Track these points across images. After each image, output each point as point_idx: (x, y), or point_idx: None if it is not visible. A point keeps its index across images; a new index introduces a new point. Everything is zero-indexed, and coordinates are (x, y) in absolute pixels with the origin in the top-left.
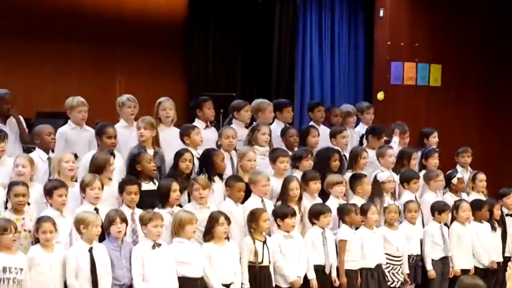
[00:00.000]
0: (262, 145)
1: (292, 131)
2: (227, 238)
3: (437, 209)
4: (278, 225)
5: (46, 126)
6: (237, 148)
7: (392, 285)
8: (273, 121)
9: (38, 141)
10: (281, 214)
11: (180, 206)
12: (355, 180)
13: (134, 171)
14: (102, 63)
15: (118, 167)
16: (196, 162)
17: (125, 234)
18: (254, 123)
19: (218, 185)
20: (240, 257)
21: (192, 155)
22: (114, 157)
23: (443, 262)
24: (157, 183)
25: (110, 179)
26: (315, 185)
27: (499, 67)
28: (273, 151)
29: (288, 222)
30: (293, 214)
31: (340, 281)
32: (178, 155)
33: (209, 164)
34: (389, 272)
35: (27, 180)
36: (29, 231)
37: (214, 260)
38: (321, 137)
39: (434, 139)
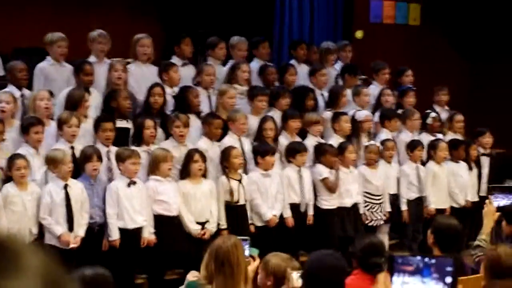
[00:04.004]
0: (242, 83)
1: (271, 69)
2: (204, 176)
3: (409, 147)
4: (258, 163)
5: (18, 63)
6: (213, 86)
7: (370, 224)
8: (251, 59)
9: (10, 78)
10: (262, 151)
11: None
12: (333, 118)
13: (110, 108)
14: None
15: (95, 104)
16: (169, 98)
17: (98, 172)
18: (230, 61)
19: (194, 123)
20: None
21: (163, 89)
22: (90, 94)
23: (418, 202)
24: (130, 122)
25: (85, 116)
26: (295, 124)
27: (479, 6)
28: (251, 89)
29: (269, 160)
30: (274, 152)
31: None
32: (148, 89)
33: (183, 101)
34: (368, 211)
35: (9, 117)
36: (1, 169)
37: (189, 198)
38: (303, 75)
39: (407, 77)
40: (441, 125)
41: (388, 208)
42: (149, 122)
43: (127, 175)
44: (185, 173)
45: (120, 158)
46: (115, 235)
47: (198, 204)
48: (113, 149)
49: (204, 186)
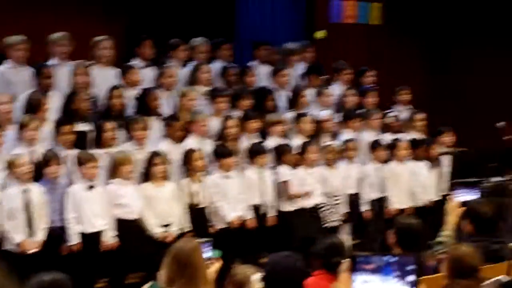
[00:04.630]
0: (203, 85)
1: (232, 71)
2: (166, 178)
3: (371, 147)
4: (218, 165)
5: None
6: (175, 87)
7: (329, 225)
8: (212, 60)
9: None
10: (221, 153)
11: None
12: (296, 119)
13: (69, 110)
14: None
15: (55, 107)
16: (130, 100)
17: (58, 176)
18: (191, 62)
19: (155, 125)
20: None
21: (123, 91)
22: (49, 97)
23: (380, 202)
24: (90, 124)
25: (45, 119)
26: (254, 124)
27: (440, 6)
28: (212, 90)
29: (228, 161)
30: (233, 153)
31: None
32: (108, 92)
33: (144, 103)
34: (327, 211)
35: None
36: None
37: (152, 201)
38: (265, 76)
39: (369, 77)
40: (401, 124)
41: (345, 209)
42: (108, 125)
43: (87, 178)
44: (147, 176)
45: (79, 162)
46: (74, 240)
47: (161, 207)
48: (73, 152)
49: (166, 188)
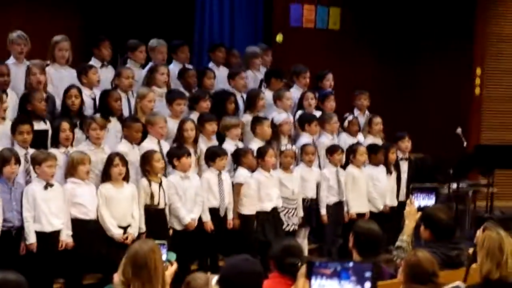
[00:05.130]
0: (160, 86)
1: (191, 72)
2: (126, 180)
3: (328, 151)
4: (174, 166)
5: None
6: (132, 89)
7: (287, 229)
8: (170, 62)
9: None
10: (177, 154)
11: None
12: (255, 122)
13: (25, 110)
14: None
15: (12, 106)
16: (88, 100)
17: (16, 175)
18: (150, 63)
19: (114, 125)
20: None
21: (80, 91)
22: (7, 95)
23: (338, 207)
24: (48, 123)
25: (3, 118)
26: (211, 127)
27: (398, 11)
28: (170, 92)
29: (185, 162)
30: (189, 153)
31: (233, 223)
32: (64, 92)
33: (103, 104)
34: (284, 215)
35: None
36: None
37: (110, 202)
38: (222, 79)
39: (328, 81)
40: (359, 129)
41: (301, 213)
42: (64, 125)
43: (44, 178)
44: (106, 177)
45: (36, 162)
46: (31, 239)
47: (120, 208)
48: (31, 151)
49: (126, 190)
